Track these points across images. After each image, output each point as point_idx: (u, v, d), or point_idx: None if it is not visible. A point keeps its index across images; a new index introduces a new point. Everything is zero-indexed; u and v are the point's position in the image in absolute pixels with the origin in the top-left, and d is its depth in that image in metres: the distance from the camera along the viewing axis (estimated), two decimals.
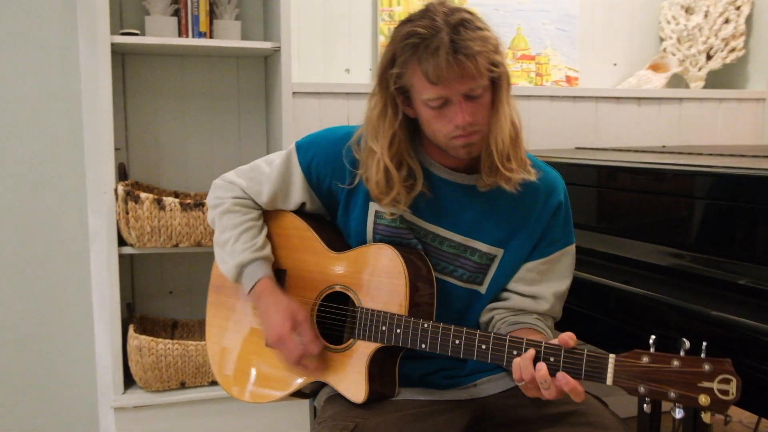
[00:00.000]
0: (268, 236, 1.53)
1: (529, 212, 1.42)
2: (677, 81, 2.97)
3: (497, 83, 1.32)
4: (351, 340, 1.40)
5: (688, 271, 1.53)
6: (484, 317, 1.46)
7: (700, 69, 2.94)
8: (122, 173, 2.33)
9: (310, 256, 1.49)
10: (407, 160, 1.37)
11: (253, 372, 1.53)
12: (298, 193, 1.49)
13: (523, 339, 1.22)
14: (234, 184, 1.54)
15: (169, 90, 2.49)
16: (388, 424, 1.33)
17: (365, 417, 1.34)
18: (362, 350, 1.38)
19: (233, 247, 1.48)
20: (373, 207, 1.44)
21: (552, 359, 1.18)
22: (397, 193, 1.36)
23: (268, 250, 1.51)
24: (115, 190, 2.20)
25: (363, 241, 1.45)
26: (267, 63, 2.52)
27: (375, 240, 1.44)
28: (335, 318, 1.44)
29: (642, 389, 1.10)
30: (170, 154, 2.52)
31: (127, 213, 2.19)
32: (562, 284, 1.45)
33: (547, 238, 1.43)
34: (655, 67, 2.92)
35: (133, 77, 2.45)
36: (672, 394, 1.07)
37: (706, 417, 1.06)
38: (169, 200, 2.21)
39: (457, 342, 1.29)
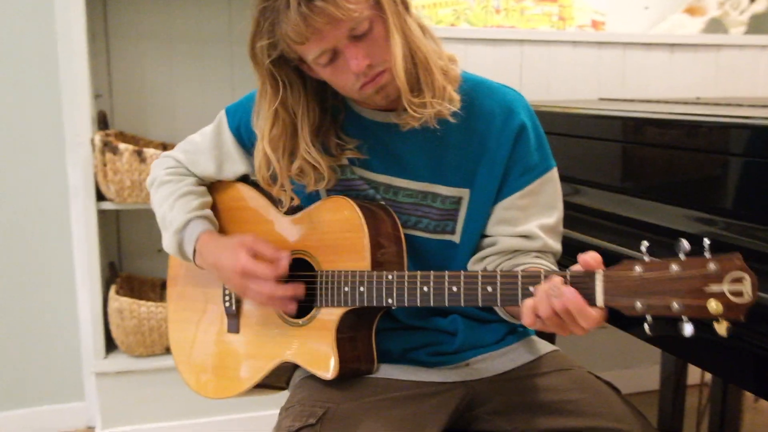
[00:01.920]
0: (218, 214, 1.37)
1: (485, 141, 1.21)
2: (715, 26, 2.69)
3: (382, 9, 1.10)
4: (314, 309, 1.23)
5: (721, 240, 1.31)
6: (474, 268, 1.26)
7: (741, 12, 2.67)
8: (102, 122, 2.16)
9: (264, 226, 1.32)
10: (303, 151, 1.18)
11: (217, 364, 1.37)
12: (234, 160, 1.34)
13: (496, 272, 1.04)
14: (168, 157, 1.40)
15: (155, 32, 2.30)
16: (363, 409, 1.16)
17: (337, 401, 1.17)
18: (327, 318, 1.21)
19: (170, 216, 1.32)
20: None
21: (531, 288, 1.01)
22: (282, 185, 1.21)
23: (207, 212, 1.34)
24: (92, 141, 2.03)
25: (317, 200, 1.27)
26: None
27: (329, 195, 1.26)
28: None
29: (639, 305, 0.90)
30: (157, 102, 2.34)
31: (105, 165, 2.02)
32: (550, 217, 1.24)
33: (517, 168, 1.22)
34: (691, 11, 2.65)
35: (115, 17, 2.26)
36: (675, 306, 0.88)
37: (720, 328, 0.87)
38: (150, 152, 2.04)
39: (425, 289, 1.10)
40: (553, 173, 1.26)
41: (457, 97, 1.16)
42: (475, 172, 1.22)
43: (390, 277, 1.14)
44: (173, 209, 1.32)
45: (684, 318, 0.89)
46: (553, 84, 2.40)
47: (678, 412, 1.84)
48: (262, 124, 1.18)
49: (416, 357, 1.27)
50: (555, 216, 1.25)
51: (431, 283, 1.10)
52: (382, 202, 1.25)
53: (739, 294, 0.85)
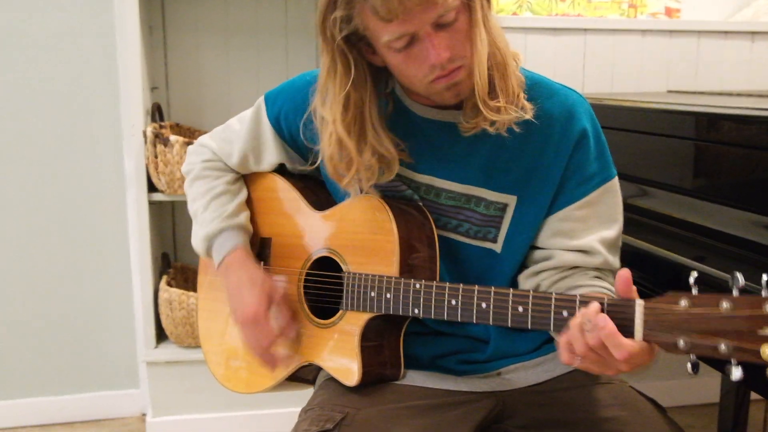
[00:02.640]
0: (249, 202, 1.33)
1: (543, 146, 1.12)
2: None
3: (470, 4, 1.02)
4: (340, 312, 1.18)
5: None
6: (527, 284, 1.18)
7: None
8: (157, 114, 2.17)
9: (295, 220, 1.28)
10: (372, 138, 1.09)
11: (243, 358, 1.34)
12: (271, 150, 1.28)
13: (528, 292, 0.97)
14: (205, 146, 1.35)
15: (212, 25, 2.30)
16: (383, 417, 1.10)
17: (358, 406, 1.12)
18: (352, 323, 1.16)
19: (202, 216, 1.29)
20: None
21: (565, 312, 0.93)
22: (357, 173, 1.11)
23: (242, 219, 1.30)
24: (144, 132, 2.04)
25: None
26: None
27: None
28: (325, 288, 1.22)
29: (682, 343, 0.82)
30: (213, 94, 2.34)
31: (156, 157, 2.03)
32: (611, 230, 1.14)
33: (575, 177, 1.13)
34: None
35: (172, 10, 2.27)
36: (723, 347, 0.79)
37: None
38: None
39: (453, 302, 1.04)
40: (614, 183, 1.16)
41: (529, 105, 1.08)
42: (527, 179, 1.14)
43: (418, 286, 1.08)
44: (207, 209, 1.29)
45: (732, 361, 0.80)
46: (618, 75, 2.27)
47: (740, 427, 1.70)
48: (332, 108, 1.08)
49: (445, 364, 1.21)
50: (615, 229, 1.15)
51: (459, 297, 1.04)
52: (420, 203, 1.18)
53: None
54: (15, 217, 2.23)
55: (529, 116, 1.07)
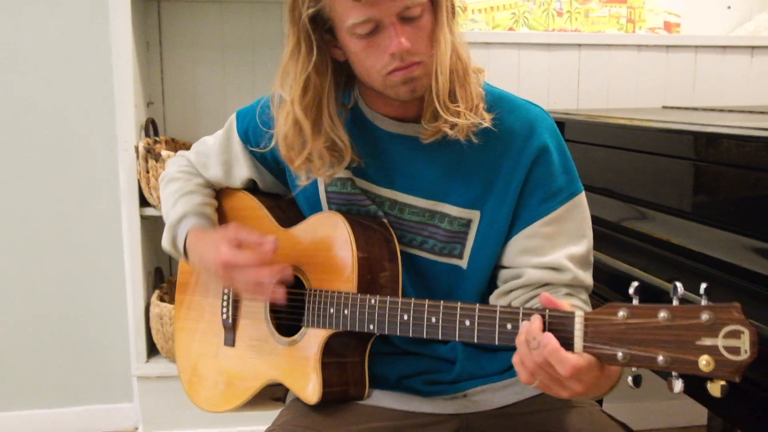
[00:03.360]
0: (218, 217, 1.34)
1: (502, 160, 1.12)
2: None
3: (436, 4, 1.05)
4: (302, 329, 1.17)
5: None
6: (499, 303, 1.16)
7: None
8: (151, 129, 2.19)
9: None
10: (327, 126, 1.10)
11: (213, 377, 1.33)
12: (241, 166, 1.29)
13: (475, 305, 0.96)
14: (183, 156, 1.38)
15: (208, 41, 2.32)
16: None
17: (320, 427, 1.11)
18: (313, 340, 1.15)
19: (171, 212, 1.29)
20: None
21: (509, 326, 0.92)
22: (310, 155, 1.11)
23: (206, 209, 1.30)
24: (136, 147, 2.06)
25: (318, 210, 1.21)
26: None
27: (331, 210, 1.20)
28: (290, 306, 1.21)
29: (621, 355, 0.80)
30: (209, 109, 2.35)
31: (148, 172, 2.04)
32: (579, 246, 1.13)
33: (538, 193, 1.12)
34: None
35: (169, 26, 2.29)
36: (661, 359, 0.77)
37: (714, 388, 0.76)
38: None
39: (405, 317, 1.03)
40: (581, 198, 1.15)
41: (488, 115, 1.08)
42: (487, 193, 1.13)
43: (373, 301, 1.07)
44: (176, 205, 1.30)
45: (673, 373, 0.78)
46: (613, 91, 2.25)
47: None
48: (292, 89, 1.09)
49: (412, 385, 1.20)
50: (584, 245, 1.14)
51: (411, 312, 1.03)
52: (384, 220, 1.17)
53: (735, 351, 0.73)
54: (11, 230, 2.26)
55: (487, 124, 1.08)
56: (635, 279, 1.36)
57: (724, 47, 2.32)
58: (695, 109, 1.97)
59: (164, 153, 2.03)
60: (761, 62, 2.33)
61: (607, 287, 1.47)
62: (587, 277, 1.14)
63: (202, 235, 1.25)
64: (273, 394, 1.29)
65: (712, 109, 1.99)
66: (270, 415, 1.28)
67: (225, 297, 1.31)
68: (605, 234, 1.60)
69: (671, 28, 2.43)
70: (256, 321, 1.26)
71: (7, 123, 2.21)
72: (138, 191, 2.08)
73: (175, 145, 2.26)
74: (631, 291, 0.82)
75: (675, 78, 2.29)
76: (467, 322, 0.96)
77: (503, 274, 1.16)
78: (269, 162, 1.27)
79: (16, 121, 2.21)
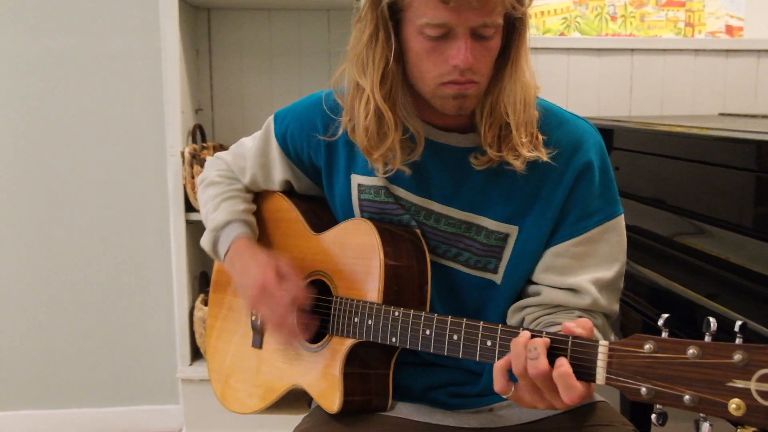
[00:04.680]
0: (257, 222, 1.32)
1: (546, 176, 1.08)
2: None
3: (517, 28, 1.02)
4: (327, 336, 1.16)
5: None
6: (512, 319, 1.13)
7: None
8: (198, 135, 2.22)
9: (294, 241, 1.26)
10: (402, 114, 1.08)
11: (240, 378, 1.33)
12: (278, 168, 1.27)
13: (498, 326, 0.93)
14: (221, 159, 1.37)
15: (256, 47, 2.34)
16: None
17: None
18: (336, 348, 1.13)
19: (212, 216, 1.28)
20: (355, 180, 1.17)
21: (488, 342, 0.92)
22: (391, 145, 1.07)
23: (249, 217, 1.29)
24: (182, 153, 2.09)
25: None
26: None
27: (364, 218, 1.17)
28: (317, 312, 1.19)
29: (645, 390, 0.76)
30: (257, 115, 2.37)
31: (193, 177, 2.07)
32: (608, 270, 1.08)
33: (575, 212, 1.08)
34: None
35: (218, 34, 2.32)
36: (688, 398, 0.73)
37: None
38: None
39: (427, 332, 1.01)
40: (619, 221, 1.11)
41: (545, 152, 1.06)
42: (528, 209, 1.10)
43: (396, 314, 1.05)
44: (217, 209, 1.29)
45: (701, 414, 0.73)
46: (668, 98, 2.17)
47: None
48: (372, 77, 1.04)
49: (436, 397, 1.17)
50: (614, 270, 1.09)
51: (433, 327, 1.00)
52: (417, 230, 1.14)
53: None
54: (62, 233, 2.32)
55: (545, 159, 1.05)
56: (681, 298, 1.32)
57: None
58: (753, 116, 1.87)
59: (209, 159, 2.05)
60: None
61: (648, 303, 1.40)
62: (611, 304, 1.09)
63: (250, 249, 1.24)
64: (300, 397, 1.28)
65: None
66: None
67: None
68: (653, 247, 1.53)
69: (734, 32, 2.32)
70: (273, 330, 1.25)
71: (59, 128, 2.28)
72: (184, 196, 2.11)
73: (222, 150, 2.28)
74: (660, 323, 0.78)
75: (735, 84, 2.19)
76: (489, 343, 0.93)
77: (526, 288, 1.14)
78: (305, 165, 1.25)
79: (67, 126, 2.28)
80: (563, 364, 0.80)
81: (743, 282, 1.25)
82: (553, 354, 0.83)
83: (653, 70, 2.18)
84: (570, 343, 0.83)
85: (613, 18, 2.32)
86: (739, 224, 1.35)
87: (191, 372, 2.18)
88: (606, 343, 0.80)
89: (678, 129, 1.58)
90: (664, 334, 0.77)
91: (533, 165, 1.07)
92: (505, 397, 0.88)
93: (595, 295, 1.06)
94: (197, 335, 2.14)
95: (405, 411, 1.15)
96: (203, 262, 2.35)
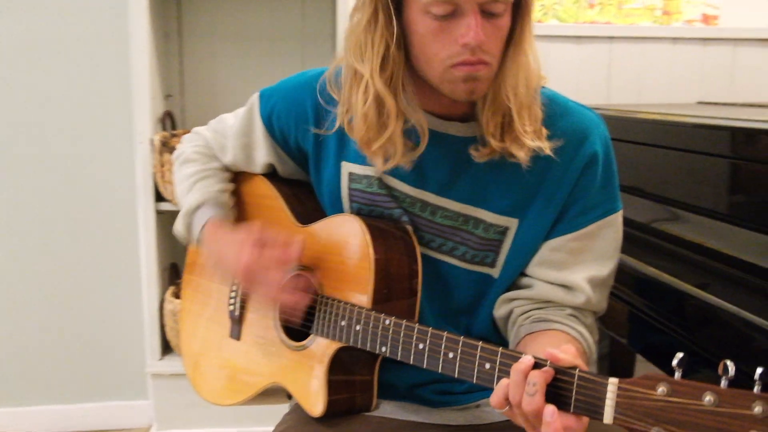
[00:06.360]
0: (236, 205, 1.26)
1: (548, 167, 1.03)
2: None
3: (523, 7, 0.97)
4: (311, 336, 1.11)
5: None
6: (500, 310, 1.10)
7: None
8: (168, 122, 2.15)
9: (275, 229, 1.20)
10: (403, 105, 1.01)
11: (215, 366, 1.28)
12: (262, 150, 1.20)
13: (498, 348, 0.88)
14: (199, 134, 1.29)
15: (229, 32, 2.27)
16: None
17: None
18: (322, 350, 1.08)
19: (187, 197, 1.22)
20: (346, 167, 1.11)
21: (487, 364, 0.87)
22: (392, 136, 1.00)
23: (224, 196, 1.23)
24: (151, 141, 2.02)
25: (339, 212, 1.14)
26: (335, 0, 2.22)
27: (352, 209, 1.12)
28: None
29: None
30: (229, 101, 2.27)
31: (163, 166, 2.00)
32: (603, 268, 1.05)
33: (577, 204, 1.04)
34: None
35: (189, 18, 2.24)
36: None
37: None
38: None
39: (420, 347, 0.96)
40: (617, 217, 1.07)
41: (548, 144, 1.01)
42: (529, 201, 1.05)
43: (387, 322, 1.00)
44: (191, 190, 1.22)
45: None
46: (646, 86, 2.16)
47: None
48: (371, 63, 0.99)
49: (422, 395, 1.13)
50: (609, 268, 1.06)
51: (427, 342, 0.95)
52: (408, 226, 1.09)
53: None
54: (25, 225, 2.23)
55: (547, 152, 1.00)
56: (664, 284, 1.31)
57: (764, 40, 2.20)
58: (732, 104, 1.87)
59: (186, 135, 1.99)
60: None
61: (632, 292, 1.39)
62: (601, 301, 1.07)
63: (222, 231, 1.17)
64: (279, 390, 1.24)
65: (750, 105, 1.88)
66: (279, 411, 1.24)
67: (234, 286, 1.26)
68: (633, 235, 1.51)
69: (709, 21, 2.32)
70: (264, 317, 1.20)
71: (21, 115, 2.18)
72: (153, 186, 2.04)
73: None
74: (674, 363, 0.73)
75: (712, 72, 2.19)
76: (487, 366, 0.88)
77: (518, 280, 1.10)
78: (291, 148, 1.19)
79: (29, 112, 2.18)
80: (555, 421, 0.77)
81: (715, 265, 1.25)
82: (556, 387, 0.79)
83: (632, 58, 2.16)
84: (576, 377, 0.79)
85: (591, 5, 2.30)
86: (716, 210, 1.35)
87: (162, 366, 2.12)
88: (615, 380, 0.76)
89: (660, 117, 1.57)
90: (677, 375, 0.73)
91: (536, 156, 1.02)
92: (498, 411, 0.84)
93: (589, 293, 1.03)
94: (167, 328, 2.08)
95: (390, 410, 1.11)
96: (173, 253, 2.29)
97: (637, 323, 1.38)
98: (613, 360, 1.84)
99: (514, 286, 1.09)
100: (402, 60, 0.99)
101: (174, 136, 2.09)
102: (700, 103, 2.06)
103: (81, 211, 2.25)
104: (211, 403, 1.28)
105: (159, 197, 2.06)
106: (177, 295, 2.10)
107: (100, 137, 2.22)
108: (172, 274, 2.22)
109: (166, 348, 2.15)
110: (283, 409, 1.25)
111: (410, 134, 1.03)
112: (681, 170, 1.50)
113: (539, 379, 0.79)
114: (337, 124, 1.07)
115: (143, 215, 2.06)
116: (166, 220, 2.19)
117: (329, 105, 1.09)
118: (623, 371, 1.77)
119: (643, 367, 1.61)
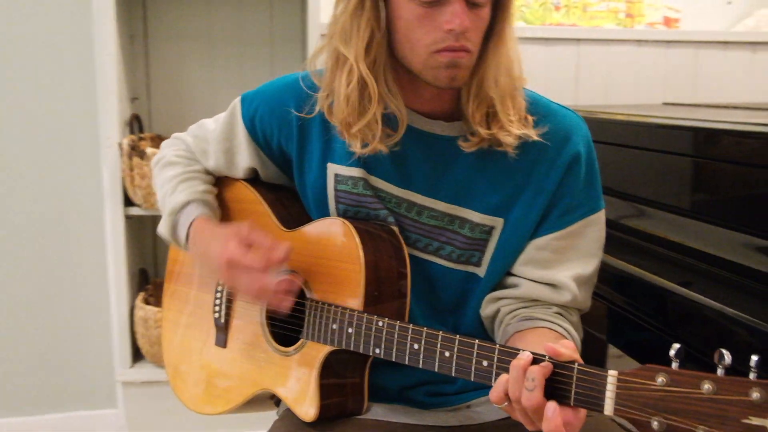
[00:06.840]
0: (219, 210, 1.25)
1: (533, 167, 1.05)
2: None
3: (504, 2, 0.99)
4: (301, 341, 1.10)
5: None
6: (487, 310, 1.10)
7: None
8: (136, 125, 2.11)
9: None
10: (384, 91, 1.02)
11: (200, 376, 1.26)
12: (244, 154, 1.19)
13: (495, 346, 0.89)
14: (179, 139, 1.27)
15: (195, 34, 2.24)
16: None
17: None
18: (313, 354, 1.08)
19: (171, 198, 1.19)
20: (332, 169, 1.11)
21: (485, 362, 0.88)
22: (371, 120, 1.01)
23: (209, 197, 1.21)
24: (120, 144, 1.98)
25: (325, 214, 1.13)
26: (304, 2, 2.21)
27: (339, 211, 1.12)
28: (290, 314, 1.14)
29: (656, 424, 0.74)
30: (196, 104, 2.27)
31: (132, 170, 1.97)
32: (587, 266, 1.07)
33: (562, 204, 1.06)
34: None
35: (155, 19, 2.21)
36: None
37: None
38: None
39: (415, 347, 0.96)
40: (600, 216, 1.09)
41: (534, 131, 1.03)
42: (514, 200, 1.07)
43: (380, 324, 1.00)
44: (175, 191, 1.20)
45: None
46: (613, 87, 2.20)
47: None
48: (356, 46, 0.99)
49: (413, 397, 1.13)
50: (593, 266, 1.08)
51: (422, 341, 0.96)
52: (394, 227, 1.09)
53: None
54: None
55: (535, 138, 1.02)
56: (636, 279, 1.34)
57: (725, 43, 2.27)
58: (697, 105, 1.92)
59: (149, 150, 1.96)
60: (762, 58, 2.29)
61: (608, 288, 1.42)
62: (586, 299, 1.09)
63: (210, 227, 1.16)
64: (266, 396, 1.23)
65: (714, 106, 1.94)
66: (260, 418, 1.22)
67: (218, 294, 1.24)
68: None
69: (671, 24, 2.37)
70: (251, 324, 1.18)
71: None
72: (122, 190, 2.01)
73: (160, 142, 2.17)
74: (671, 353, 0.75)
75: (675, 74, 2.24)
76: (485, 363, 0.89)
77: (503, 279, 1.11)
78: (274, 152, 1.18)
79: None
80: (556, 417, 0.78)
81: (681, 258, 1.30)
82: (555, 381, 0.81)
83: (598, 60, 2.20)
84: (575, 371, 0.80)
85: (557, 8, 2.34)
86: (680, 207, 1.40)
87: (132, 374, 2.08)
88: (615, 373, 0.77)
89: (632, 118, 1.60)
90: (675, 365, 0.75)
91: (521, 153, 1.04)
92: (497, 406, 0.85)
93: (574, 291, 1.05)
94: (139, 335, 2.05)
95: (381, 412, 1.10)
96: (142, 258, 2.25)
97: (615, 319, 1.42)
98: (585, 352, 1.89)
99: (500, 285, 1.11)
100: (385, 46, 1.01)
101: (141, 139, 2.06)
102: (666, 104, 2.11)
103: (46, 216, 2.19)
104: (193, 411, 1.26)
105: (128, 202, 2.03)
106: (147, 301, 2.06)
107: (66, 141, 2.17)
108: (142, 279, 2.19)
109: (137, 355, 2.11)
110: (263, 416, 1.24)
111: (389, 121, 1.04)
112: (650, 169, 1.54)
113: (538, 374, 0.80)
114: (317, 108, 1.08)
115: (111, 220, 2.02)
116: (135, 224, 2.16)
117: (313, 91, 1.09)
118: (597, 363, 1.81)
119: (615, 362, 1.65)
